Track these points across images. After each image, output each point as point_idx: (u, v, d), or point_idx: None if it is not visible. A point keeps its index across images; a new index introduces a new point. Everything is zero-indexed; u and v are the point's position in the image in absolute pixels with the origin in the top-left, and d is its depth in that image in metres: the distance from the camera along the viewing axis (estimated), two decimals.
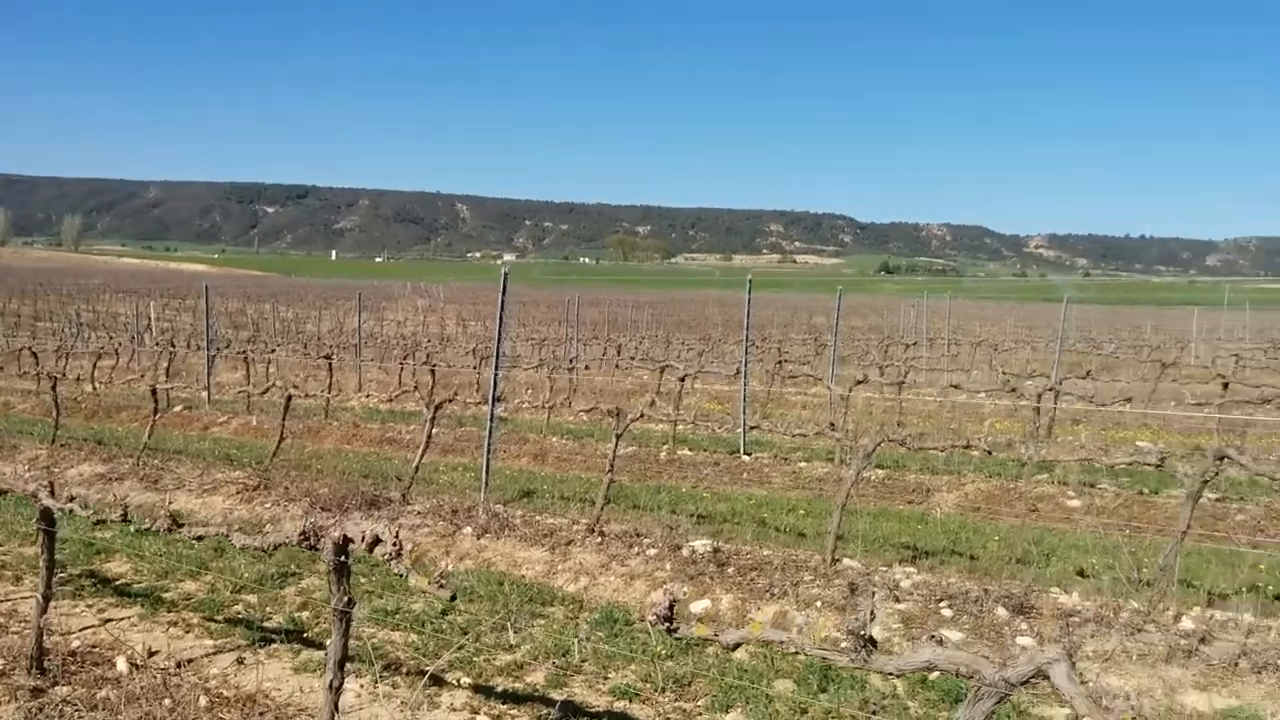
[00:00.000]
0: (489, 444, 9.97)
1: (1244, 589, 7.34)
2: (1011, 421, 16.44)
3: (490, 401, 10.05)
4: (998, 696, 2.61)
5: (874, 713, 5.12)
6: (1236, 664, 5.93)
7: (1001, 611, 6.58)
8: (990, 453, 7.55)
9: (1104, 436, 15.40)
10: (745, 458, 13.10)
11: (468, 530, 8.69)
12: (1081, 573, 7.75)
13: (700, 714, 5.23)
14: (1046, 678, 2.54)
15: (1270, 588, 7.41)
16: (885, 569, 7.58)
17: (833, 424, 7.82)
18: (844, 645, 2.87)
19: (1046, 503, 10.35)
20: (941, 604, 6.73)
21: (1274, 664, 5.85)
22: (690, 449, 13.78)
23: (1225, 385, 13.74)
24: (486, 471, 9.86)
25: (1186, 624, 6.35)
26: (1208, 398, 14.59)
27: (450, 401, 11.60)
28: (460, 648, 6.05)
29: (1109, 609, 6.55)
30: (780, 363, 18.43)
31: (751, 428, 13.08)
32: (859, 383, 12.44)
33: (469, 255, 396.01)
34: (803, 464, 12.74)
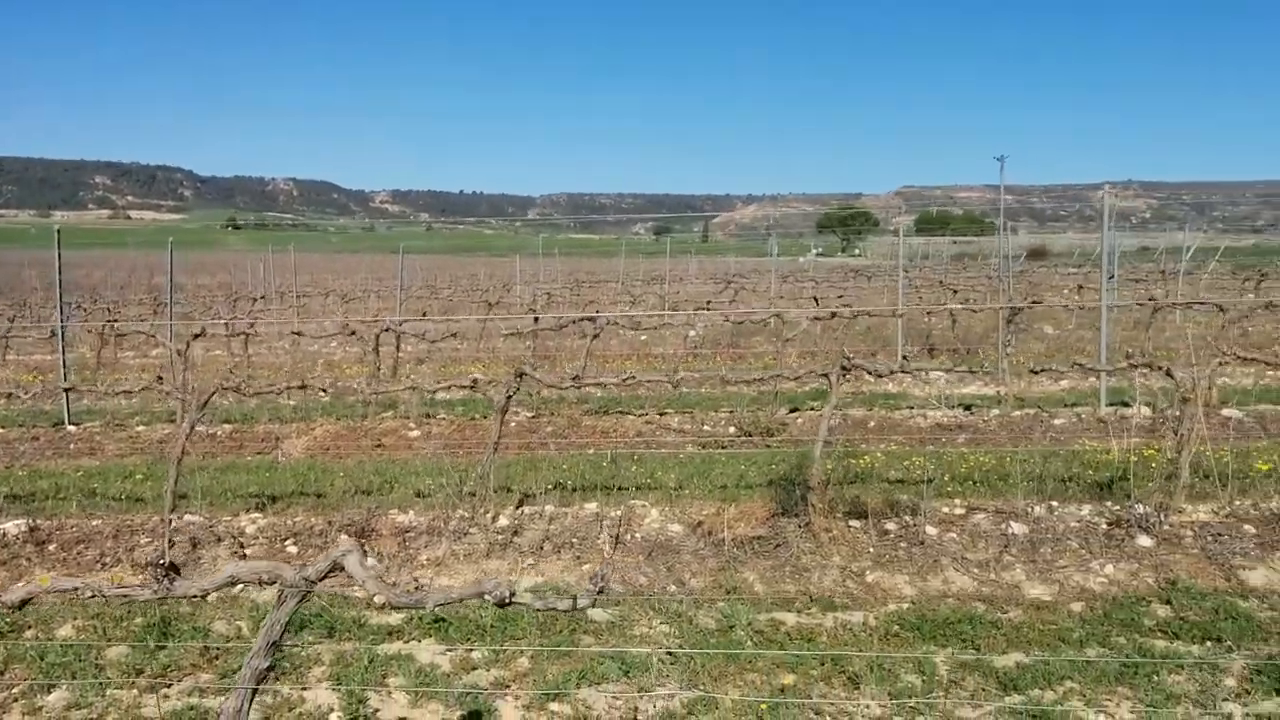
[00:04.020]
0: None
1: (551, 486, 8.69)
2: (361, 367, 17.06)
3: None
4: (300, 594, 2.85)
5: (215, 656, 5.12)
6: (542, 547, 7.05)
7: (345, 539, 6.94)
8: (324, 391, 7.85)
9: (443, 372, 16.78)
10: (72, 428, 11.81)
11: None
12: (420, 493, 8.45)
13: (15, 702, 4.74)
14: (342, 568, 2.83)
15: (571, 482, 8.85)
16: (231, 519, 7.51)
17: (160, 378, 7.44)
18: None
19: (391, 436, 11.05)
20: (287, 542, 6.90)
21: (569, 543, 7.07)
22: (1, 426, 12.00)
23: (536, 319, 15.84)
24: None
25: (504, 521, 7.35)
26: (525, 329, 16.67)
27: None
28: None
29: (440, 520, 7.29)
30: (111, 323, 16.77)
31: (67, 389, 11.76)
32: (196, 336, 11.92)
33: None
34: (142, 428, 11.89)
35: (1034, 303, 14.45)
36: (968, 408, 12.02)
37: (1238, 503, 6.94)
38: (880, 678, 4.97)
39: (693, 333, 21.46)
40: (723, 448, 10.55)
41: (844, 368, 7.19)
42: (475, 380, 7.52)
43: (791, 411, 12.48)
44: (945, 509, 7.27)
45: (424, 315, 17.61)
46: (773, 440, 10.67)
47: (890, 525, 7.02)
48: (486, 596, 2.81)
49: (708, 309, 17.04)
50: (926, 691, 4.85)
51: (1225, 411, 10.59)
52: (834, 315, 11.84)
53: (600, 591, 2.83)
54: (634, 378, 7.60)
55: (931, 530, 6.88)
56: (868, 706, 4.73)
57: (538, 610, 3.19)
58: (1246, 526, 6.59)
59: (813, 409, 12.69)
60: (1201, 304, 12.05)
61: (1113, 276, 25.41)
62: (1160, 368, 6.93)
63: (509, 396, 7.32)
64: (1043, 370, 7.56)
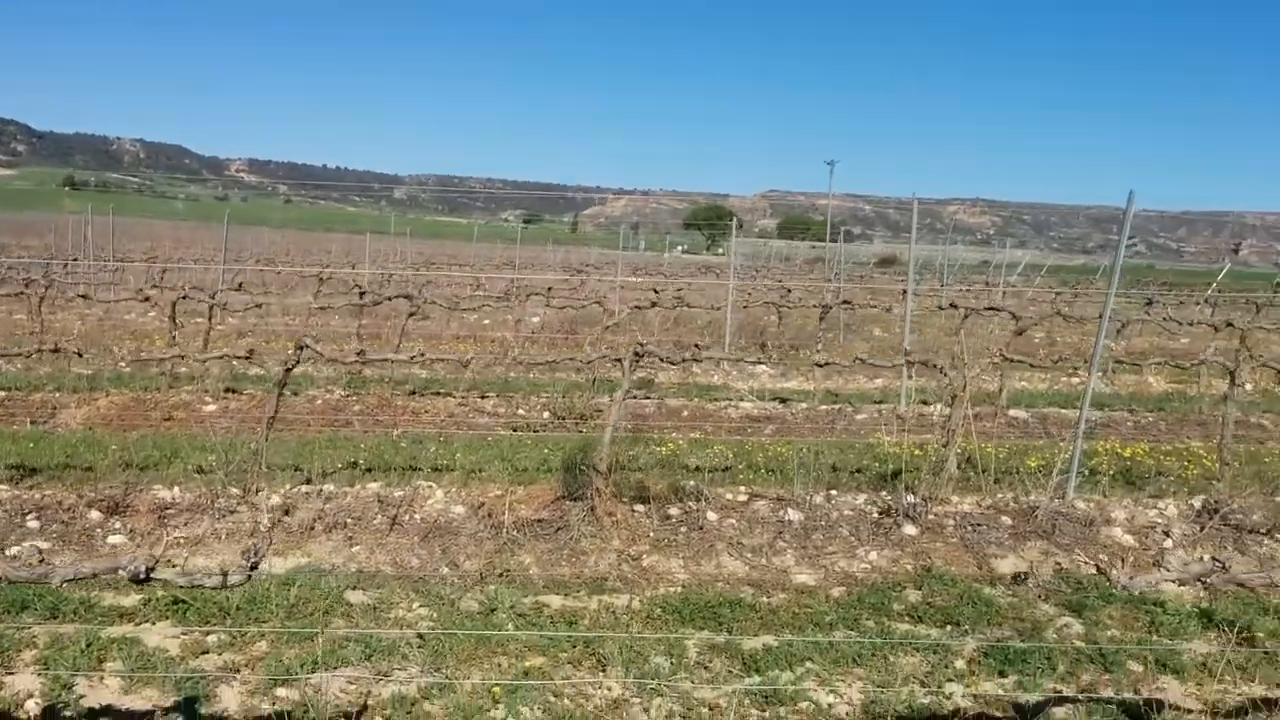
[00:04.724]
0: None
1: (344, 466, 8.40)
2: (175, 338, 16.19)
3: None
4: None
5: None
6: (313, 527, 6.75)
7: (95, 514, 6.50)
8: (80, 354, 7.33)
9: (265, 348, 16.09)
10: None
11: None
12: (201, 470, 8.01)
13: None
14: None
15: (364, 462, 8.57)
16: None
17: None
18: None
19: (184, 410, 10.47)
20: (29, 516, 6.40)
21: (343, 523, 6.80)
22: None
23: (361, 294, 15.38)
24: None
25: (276, 500, 7.01)
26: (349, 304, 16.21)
27: None
28: None
29: (206, 498, 6.91)
30: None
31: None
32: None
33: None
34: None
35: (844, 302, 14.88)
36: (783, 400, 12.25)
37: (1000, 495, 7.25)
38: (629, 659, 4.94)
39: (534, 319, 21.28)
40: (534, 432, 10.43)
41: (637, 354, 7.16)
42: (252, 351, 7.16)
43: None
44: (730, 496, 7.34)
45: (239, 287, 16.80)
46: (585, 425, 10.61)
47: (674, 510, 7.03)
48: (121, 572, 2.59)
49: (546, 295, 16.91)
50: (671, 673, 4.84)
51: (1013, 412, 11.13)
52: (654, 305, 11.88)
53: (254, 567, 2.65)
54: (424, 355, 7.38)
55: (713, 516, 6.93)
56: (609, 688, 4.68)
57: (181, 587, 2.96)
58: (1004, 518, 6.88)
59: (634, 396, 12.72)
60: (996, 310, 12.64)
61: (944, 284, 26.46)
62: (935, 366, 7.17)
63: (288, 369, 6.99)
64: (827, 364, 7.73)
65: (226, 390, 11.30)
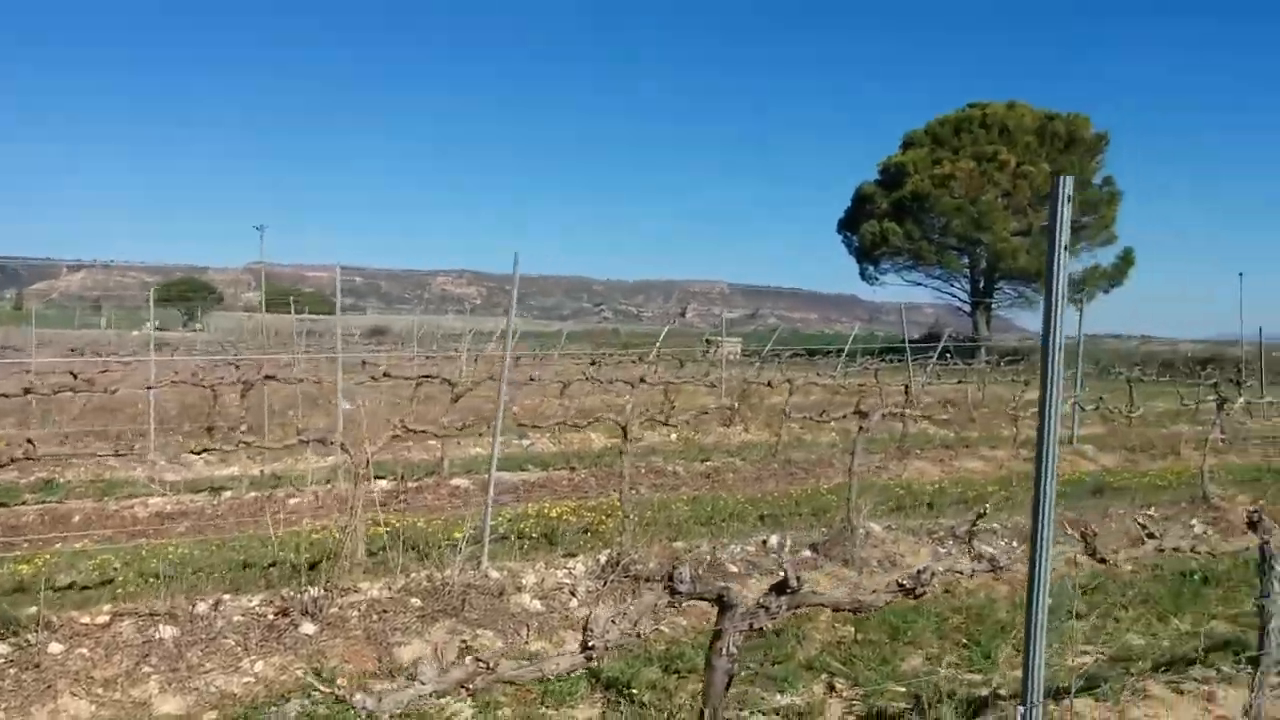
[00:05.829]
0: None
1: None
2: None
3: None
4: None
5: None
6: None
7: None
8: None
9: None
10: None
11: None
12: None
13: None
14: None
15: None
16: None
17: None
18: None
19: None
20: None
21: None
22: None
23: None
24: None
25: None
26: None
27: None
28: None
29: None
30: None
31: None
32: None
33: None
34: None
35: (267, 377, 13.98)
36: (216, 490, 10.91)
37: (414, 575, 6.79)
38: None
39: None
40: None
41: None
42: None
43: None
44: (88, 619, 6.03)
45: None
46: None
47: (3, 649, 5.58)
48: None
49: None
50: None
51: (456, 481, 10.96)
52: (28, 391, 9.91)
53: None
54: None
55: (57, 648, 5.59)
56: None
57: None
58: (414, 599, 6.41)
59: (24, 502, 10.54)
60: (431, 378, 12.61)
61: (417, 352, 26.16)
62: (333, 442, 6.58)
63: None
64: (205, 451, 6.82)
65: None
